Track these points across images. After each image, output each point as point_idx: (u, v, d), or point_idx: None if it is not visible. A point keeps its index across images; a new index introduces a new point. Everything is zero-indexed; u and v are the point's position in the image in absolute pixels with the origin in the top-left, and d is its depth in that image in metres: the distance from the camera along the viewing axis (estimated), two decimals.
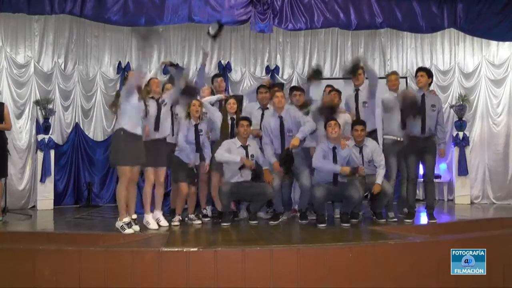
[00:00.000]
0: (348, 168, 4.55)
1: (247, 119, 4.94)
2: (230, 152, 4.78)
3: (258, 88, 5.26)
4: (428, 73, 4.95)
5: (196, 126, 4.80)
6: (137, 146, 4.17)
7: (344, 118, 5.15)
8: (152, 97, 4.52)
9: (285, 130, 4.87)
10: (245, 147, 4.86)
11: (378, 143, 5.07)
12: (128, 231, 4.05)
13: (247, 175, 4.78)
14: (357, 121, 4.94)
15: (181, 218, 4.84)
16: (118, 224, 4.13)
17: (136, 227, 4.21)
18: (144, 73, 4.30)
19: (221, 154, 4.76)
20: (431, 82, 5.01)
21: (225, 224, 4.69)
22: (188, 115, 4.81)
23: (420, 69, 5.06)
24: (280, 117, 4.88)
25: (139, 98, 4.20)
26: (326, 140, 4.73)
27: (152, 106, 4.48)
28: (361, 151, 4.84)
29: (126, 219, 4.12)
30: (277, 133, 4.87)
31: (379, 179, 4.73)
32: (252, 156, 4.87)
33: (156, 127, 4.51)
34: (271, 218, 4.89)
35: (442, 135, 4.97)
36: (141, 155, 4.23)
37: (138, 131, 4.20)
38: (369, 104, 5.11)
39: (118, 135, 4.13)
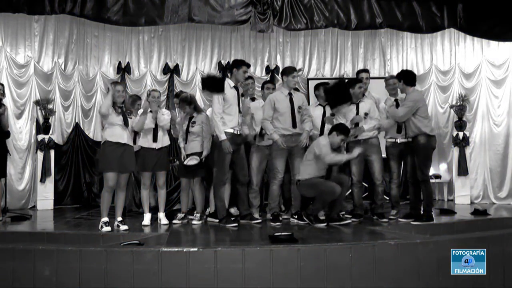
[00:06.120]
0: (357, 152, 4.58)
1: (247, 65, 4.84)
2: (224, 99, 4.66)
3: None
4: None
5: (190, 118, 4.91)
6: (122, 155, 4.36)
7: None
8: (150, 111, 4.76)
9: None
10: (237, 88, 4.76)
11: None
12: (106, 229, 4.25)
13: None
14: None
15: (183, 216, 4.88)
16: (100, 225, 4.35)
17: (124, 227, 4.38)
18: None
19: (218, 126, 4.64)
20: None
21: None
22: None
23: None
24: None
25: (116, 110, 4.38)
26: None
27: (149, 119, 4.74)
28: (357, 107, 4.96)
29: (105, 219, 4.32)
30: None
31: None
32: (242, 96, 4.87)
33: (155, 139, 4.79)
34: (272, 219, 4.82)
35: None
36: (128, 163, 4.42)
37: (123, 140, 4.38)
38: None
39: (103, 146, 4.42)
